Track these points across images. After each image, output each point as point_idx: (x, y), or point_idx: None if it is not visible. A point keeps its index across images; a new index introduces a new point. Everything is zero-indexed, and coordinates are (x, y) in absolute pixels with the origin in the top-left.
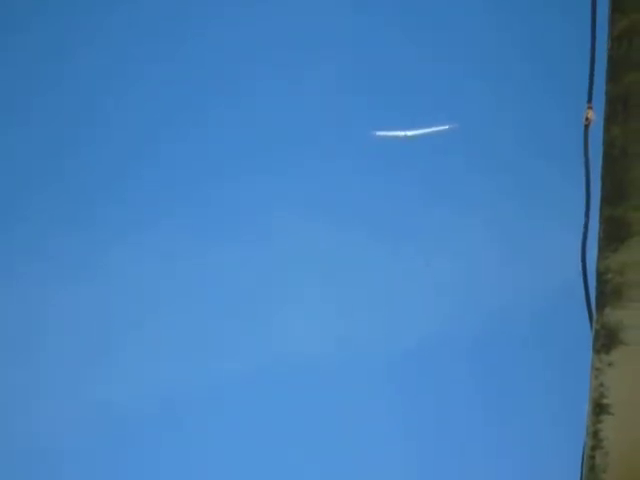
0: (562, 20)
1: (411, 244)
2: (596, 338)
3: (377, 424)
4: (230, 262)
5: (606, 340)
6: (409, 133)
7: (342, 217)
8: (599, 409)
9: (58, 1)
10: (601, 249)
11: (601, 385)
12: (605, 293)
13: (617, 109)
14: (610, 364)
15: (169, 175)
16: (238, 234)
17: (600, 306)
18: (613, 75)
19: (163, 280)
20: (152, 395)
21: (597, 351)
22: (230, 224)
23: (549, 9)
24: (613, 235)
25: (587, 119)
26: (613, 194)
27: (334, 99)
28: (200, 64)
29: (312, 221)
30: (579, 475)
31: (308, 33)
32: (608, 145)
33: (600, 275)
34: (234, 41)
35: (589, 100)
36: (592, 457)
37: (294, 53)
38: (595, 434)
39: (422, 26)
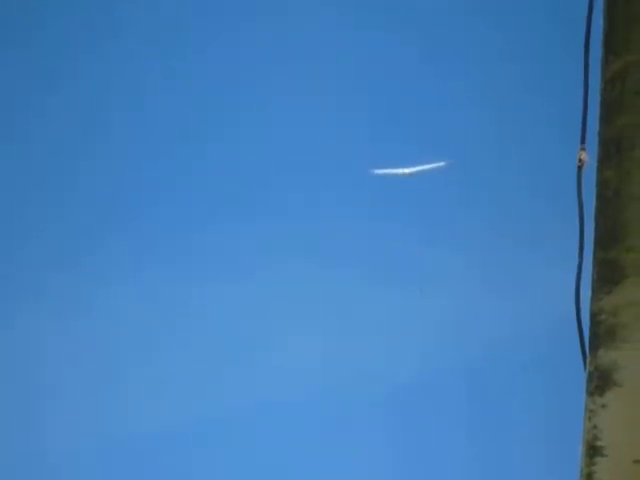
0: (556, 60)
1: (404, 282)
2: (590, 380)
3: (369, 469)
4: (216, 304)
5: (600, 382)
6: (407, 170)
7: (332, 256)
8: (593, 451)
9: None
10: (595, 291)
11: (595, 427)
12: (599, 334)
13: (610, 151)
14: (604, 406)
15: (160, 216)
16: (224, 276)
17: (594, 348)
18: (606, 117)
19: (144, 323)
20: (127, 440)
21: (591, 393)
22: (216, 266)
23: (545, 50)
24: (607, 277)
25: (580, 160)
26: (606, 236)
27: (323, 135)
28: (177, 109)
29: (300, 261)
30: None
31: (303, 66)
32: (601, 187)
33: (594, 316)
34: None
35: (582, 142)
36: None
37: (287, 85)
38: (589, 476)
39: (425, 61)
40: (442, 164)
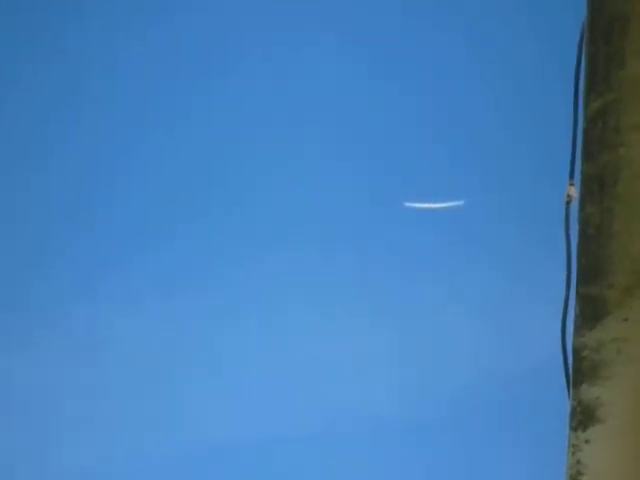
0: (547, 98)
1: (384, 317)
2: (573, 415)
3: None
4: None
5: (582, 417)
6: (434, 206)
7: (316, 294)
8: None
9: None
10: (577, 327)
11: (578, 462)
12: (582, 370)
13: (593, 188)
14: (587, 441)
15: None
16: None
17: (577, 383)
18: (589, 155)
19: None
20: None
21: (574, 428)
22: (225, 304)
23: (533, 87)
24: (589, 313)
25: (569, 196)
26: (588, 272)
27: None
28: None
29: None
30: None
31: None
32: (584, 223)
33: (577, 352)
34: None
35: (571, 177)
36: None
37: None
38: None
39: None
40: (461, 202)
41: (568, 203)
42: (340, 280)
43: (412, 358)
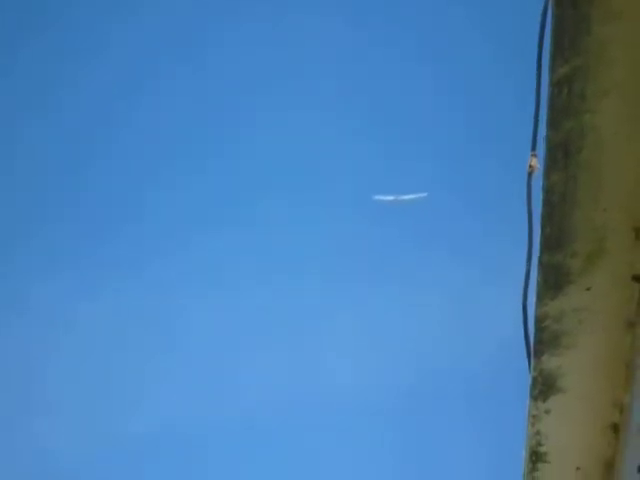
0: (508, 66)
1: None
2: (534, 385)
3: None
4: (204, 315)
5: (543, 387)
6: (399, 198)
7: (325, 262)
8: (535, 457)
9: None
10: (540, 296)
11: (538, 433)
12: (543, 340)
13: (557, 156)
14: (547, 411)
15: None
16: (213, 287)
17: (538, 353)
18: (553, 122)
19: (125, 333)
20: (106, 444)
21: (534, 398)
22: (205, 277)
23: (495, 53)
24: (551, 282)
25: (530, 167)
26: (552, 241)
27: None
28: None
29: (295, 269)
30: None
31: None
32: (548, 192)
33: (538, 322)
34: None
35: (533, 148)
36: None
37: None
38: None
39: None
40: (425, 195)
41: (530, 174)
42: (347, 251)
43: (383, 341)
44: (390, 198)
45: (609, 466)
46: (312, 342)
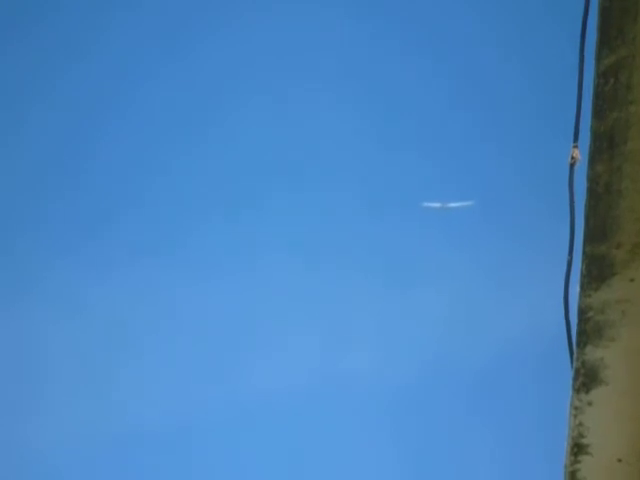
0: (551, 56)
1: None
2: (576, 377)
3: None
4: (211, 302)
5: (586, 379)
6: (448, 205)
7: (332, 257)
8: (577, 449)
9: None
10: (583, 287)
11: (580, 425)
12: (586, 331)
13: (602, 146)
14: (590, 403)
15: (152, 216)
16: (220, 274)
17: (581, 344)
18: (599, 112)
19: (135, 320)
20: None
21: (577, 390)
22: (210, 265)
23: (539, 45)
24: (595, 273)
25: (572, 158)
26: (596, 232)
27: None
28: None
29: (299, 261)
30: None
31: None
32: (592, 182)
33: (582, 313)
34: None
35: (575, 139)
36: None
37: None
38: (573, 475)
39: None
40: (471, 203)
41: (572, 165)
42: (355, 245)
43: (425, 323)
44: (437, 205)
45: None
46: (320, 338)
